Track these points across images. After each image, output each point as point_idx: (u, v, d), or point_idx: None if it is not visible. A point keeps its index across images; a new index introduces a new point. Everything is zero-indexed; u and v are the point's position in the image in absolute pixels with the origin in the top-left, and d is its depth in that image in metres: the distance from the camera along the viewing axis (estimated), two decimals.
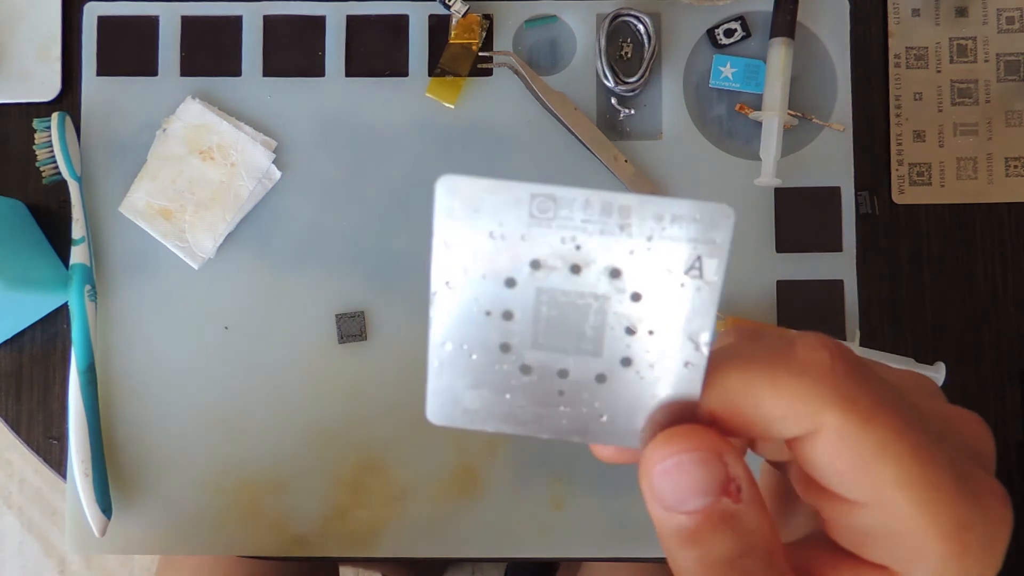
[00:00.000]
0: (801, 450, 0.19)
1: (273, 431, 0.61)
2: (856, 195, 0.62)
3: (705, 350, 0.17)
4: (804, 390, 0.18)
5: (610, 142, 0.62)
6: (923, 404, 0.20)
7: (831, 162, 0.62)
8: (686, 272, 0.16)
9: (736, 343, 0.20)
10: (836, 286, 0.61)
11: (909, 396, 0.20)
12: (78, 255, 0.61)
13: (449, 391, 0.19)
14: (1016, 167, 0.63)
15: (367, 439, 0.61)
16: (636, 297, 0.17)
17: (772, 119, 0.61)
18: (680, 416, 0.19)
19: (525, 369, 0.18)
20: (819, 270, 0.62)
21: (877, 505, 0.19)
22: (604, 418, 0.18)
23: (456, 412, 0.19)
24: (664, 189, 0.62)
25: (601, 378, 0.18)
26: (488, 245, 0.17)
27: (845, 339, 0.61)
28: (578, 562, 0.86)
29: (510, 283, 0.17)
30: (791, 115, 0.61)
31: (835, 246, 0.62)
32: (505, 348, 0.18)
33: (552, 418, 0.19)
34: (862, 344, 0.61)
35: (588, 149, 0.62)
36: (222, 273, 0.62)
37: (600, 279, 0.17)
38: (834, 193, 0.62)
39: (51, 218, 0.63)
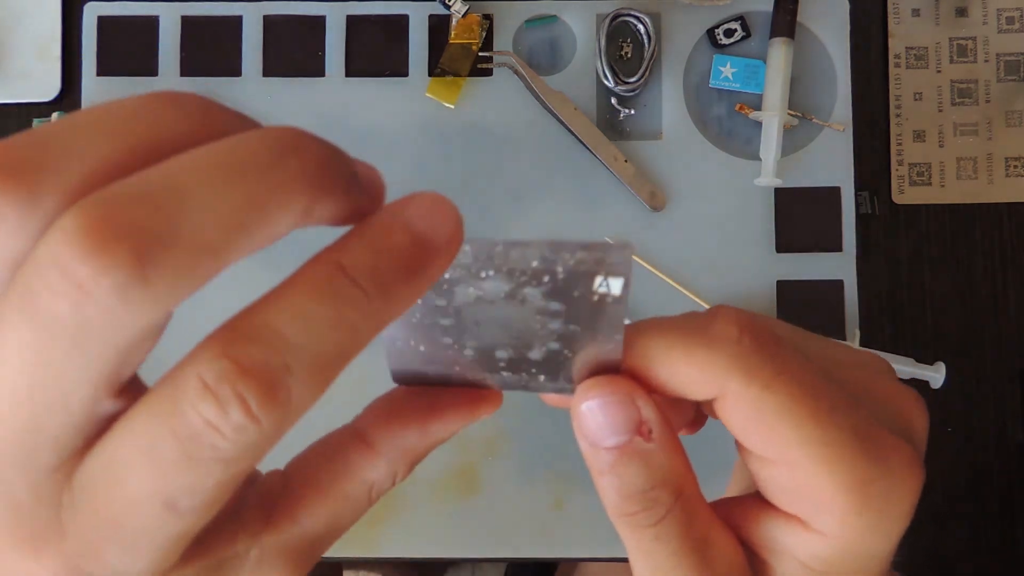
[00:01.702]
0: (718, 412, 0.22)
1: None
2: (856, 195, 0.62)
3: (619, 336, 0.21)
4: (710, 358, 0.21)
5: (610, 142, 0.62)
6: (851, 375, 0.23)
7: (831, 162, 0.62)
8: (597, 287, 0.20)
9: (666, 317, 0.23)
10: (836, 286, 0.61)
11: (833, 368, 0.22)
12: None
13: (399, 347, 0.22)
14: (1016, 167, 0.63)
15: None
16: (561, 311, 0.20)
17: (772, 119, 0.61)
18: (606, 372, 0.22)
19: (466, 350, 0.21)
20: (819, 270, 0.62)
21: (784, 462, 0.21)
22: (542, 378, 0.22)
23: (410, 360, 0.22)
24: (664, 189, 0.62)
25: (536, 361, 0.21)
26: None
27: (845, 339, 0.61)
28: (577, 562, 0.86)
29: (448, 294, 0.20)
30: (791, 115, 0.61)
31: (835, 246, 0.62)
32: (446, 337, 0.21)
33: (496, 380, 0.22)
34: (862, 344, 0.61)
35: (588, 149, 0.62)
36: (222, 273, 0.62)
37: (531, 301, 0.20)
38: (834, 193, 0.62)
39: None
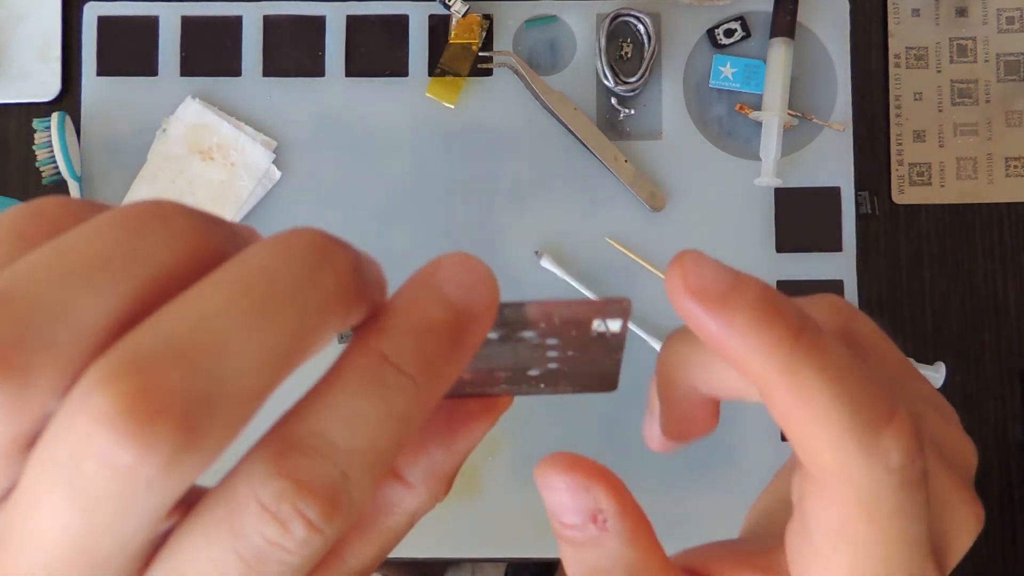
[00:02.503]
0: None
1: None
2: (856, 195, 0.62)
3: (619, 356, 0.20)
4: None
5: (610, 142, 0.62)
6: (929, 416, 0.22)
7: (831, 162, 0.62)
8: (595, 328, 0.19)
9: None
10: (836, 286, 0.61)
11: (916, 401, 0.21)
12: None
13: None
14: (1016, 167, 0.63)
15: None
16: (558, 344, 0.20)
17: (772, 119, 0.61)
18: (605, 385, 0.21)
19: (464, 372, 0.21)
20: (819, 270, 0.62)
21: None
22: (542, 386, 0.21)
23: None
24: (664, 189, 0.62)
25: (535, 376, 0.21)
26: None
27: None
28: None
29: None
30: (791, 115, 0.61)
31: (835, 246, 0.62)
32: None
33: (496, 391, 0.22)
34: None
35: (588, 149, 0.62)
36: None
37: (527, 340, 0.20)
38: (834, 193, 0.62)
39: None
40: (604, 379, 0.21)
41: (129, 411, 0.13)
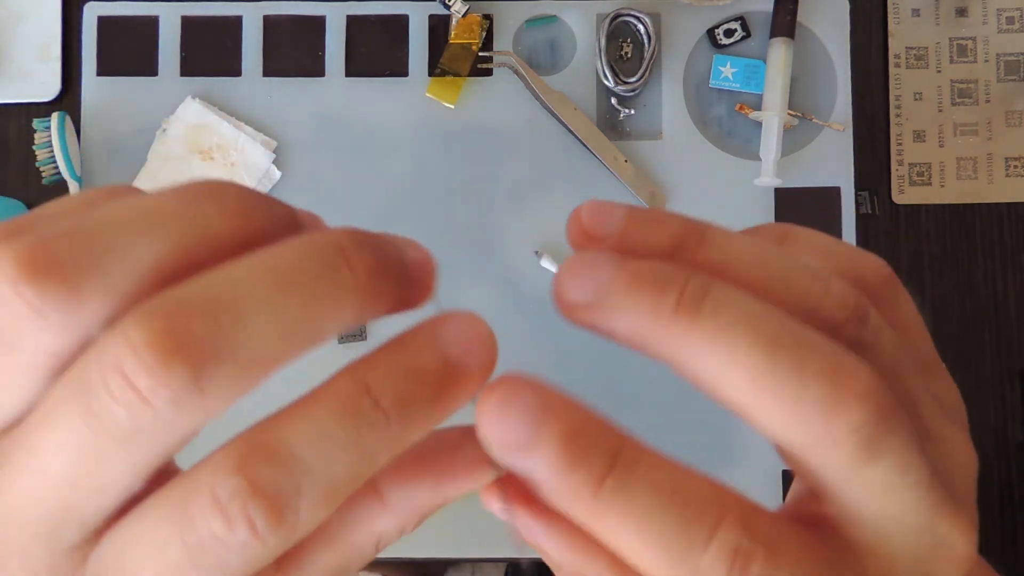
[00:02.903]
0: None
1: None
2: (856, 195, 0.62)
3: None
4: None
5: (610, 142, 0.62)
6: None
7: (831, 162, 0.62)
8: None
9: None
10: None
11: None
12: None
13: None
14: (1016, 167, 0.63)
15: None
16: None
17: (772, 119, 0.61)
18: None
19: None
20: None
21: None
22: None
23: None
24: (664, 189, 0.62)
25: None
26: None
27: None
28: None
29: None
30: (791, 115, 0.61)
31: None
32: None
33: None
34: None
35: (588, 149, 0.62)
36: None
37: None
38: (834, 193, 0.62)
39: None
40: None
41: (155, 344, 0.15)
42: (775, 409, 0.17)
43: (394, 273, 0.18)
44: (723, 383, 0.17)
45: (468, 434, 0.20)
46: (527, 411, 0.17)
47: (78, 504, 0.16)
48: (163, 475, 0.17)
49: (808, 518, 0.19)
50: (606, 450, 0.17)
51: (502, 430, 0.17)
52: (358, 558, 0.21)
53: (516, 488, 0.19)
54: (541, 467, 0.17)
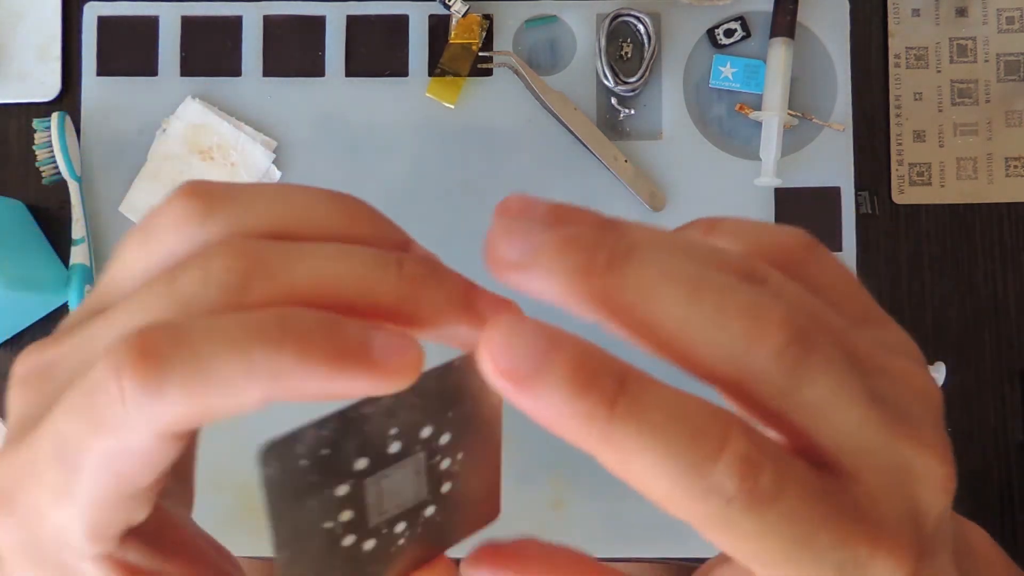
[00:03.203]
0: None
1: (273, 430, 0.61)
2: (856, 195, 0.62)
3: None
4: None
5: (610, 142, 0.62)
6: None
7: (831, 162, 0.62)
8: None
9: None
10: None
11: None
12: (78, 255, 0.61)
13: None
14: (1016, 167, 0.63)
15: None
16: (447, 441, 0.20)
17: (772, 119, 0.61)
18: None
19: (367, 541, 0.21)
20: None
21: None
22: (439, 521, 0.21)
23: None
24: (664, 189, 0.62)
25: (431, 510, 0.21)
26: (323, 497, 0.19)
27: None
28: None
29: (342, 501, 0.20)
30: (791, 115, 0.61)
31: (835, 246, 0.62)
32: (349, 539, 0.20)
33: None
34: None
35: (588, 149, 0.62)
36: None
37: (416, 448, 0.20)
38: (834, 193, 0.62)
39: (51, 218, 0.63)
40: (487, 507, 0.21)
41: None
42: (705, 350, 0.18)
43: (443, 290, 0.20)
44: (653, 333, 0.18)
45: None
46: (533, 341, 0.17)
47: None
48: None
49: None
50: (614, 372, 0.18)
51: (509, 360, 0.17)
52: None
53: (498, 555, 0.21)
54: (552, 393, 0.17)
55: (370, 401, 0.19)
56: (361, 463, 0.19)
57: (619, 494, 0.61)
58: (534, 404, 0.17)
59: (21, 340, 0.63)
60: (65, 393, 0.19)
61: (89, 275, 0.61)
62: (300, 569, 0.20)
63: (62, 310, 0.63)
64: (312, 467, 0.19)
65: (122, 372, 0.18)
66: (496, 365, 0.17)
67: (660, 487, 0.18)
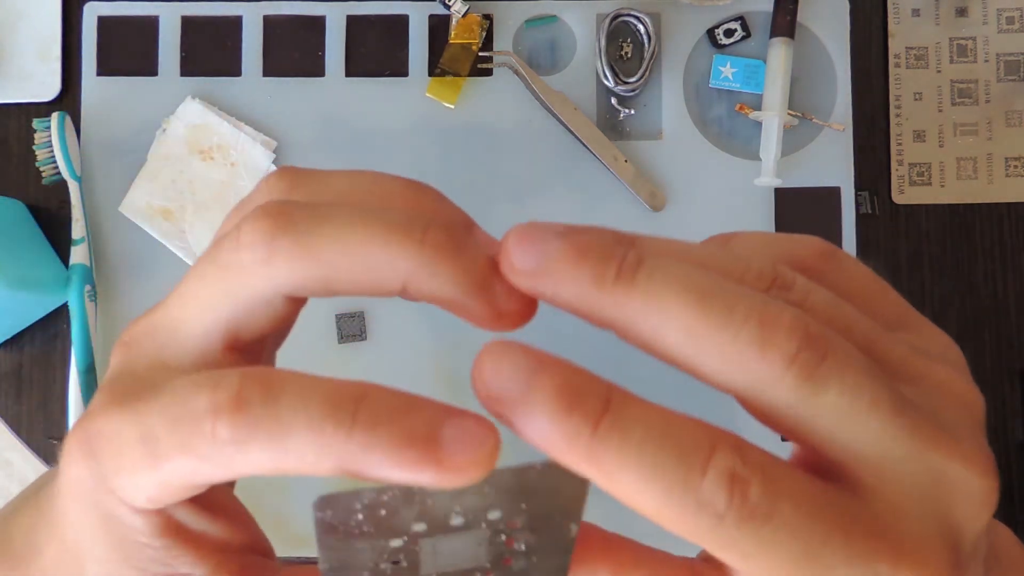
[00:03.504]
0: None
1: None
2: (856, 195, 0.62)
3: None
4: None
5: (610, 142, 0.62)
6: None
7: (831, 162, 0.62)
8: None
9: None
10: None
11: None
12: (78, 255, 0.61)
13: None
14: (1016, 167, 0.63)
15: None
16: (516, 527, 0.20)
17: (772, 119, 0.61)
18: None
19: None
20: None
21: None
22: None
23: None
24: (664, 189, 0.62)
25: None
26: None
27: None
28: None
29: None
30: (791, 115, 0.61)
31: (835, 246, 0.62)
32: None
33: None
34: None
35: (588, 149, 0.62)
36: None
37: (481, 525, 0.20)
38: (834, 193, 0.62)
39: (51, 218, 0.63)
40: (559, 569, 0.21)
41: (262, 209, 0.20)
42: (715, 357, 0.18)
43: (460, 262, 0.20)
44: (664, 342, 0.18)
45: None
46: (520, 366, 0.18)
47: (181, 320, 0.22)
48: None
49: (813, 469, 0.19)
50: (598, 394, 0.18)
51: (498, 385, 0.18)
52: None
53: None
54: (538, 415, 0.18)
55: None
56: (419, 527, 0.19)
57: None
58: (522, 427, 0.18)
59: (21, 340, 0.63)
60: (167, 393, 0.20)
61: (89, 275, 0.61)
62: None
63: (62, 310, 0.63)
64: (367, 521, 0.19)
65: (219, 416, 0.18)
66: (486, 391, 0.18)
67: (650, 503, 0.18)
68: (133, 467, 0.20)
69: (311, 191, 0.22)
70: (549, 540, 0.20)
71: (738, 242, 0.23)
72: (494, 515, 0.20)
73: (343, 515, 0.19)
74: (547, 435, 0.18)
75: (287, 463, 0.18)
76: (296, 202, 0.21)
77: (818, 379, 0.18)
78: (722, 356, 0.18)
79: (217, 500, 0.22)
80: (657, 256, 0.19)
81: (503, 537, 0.20)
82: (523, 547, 0.20)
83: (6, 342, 0.63)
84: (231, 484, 0.25)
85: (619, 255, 0.19)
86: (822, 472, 0.19)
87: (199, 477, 0.19)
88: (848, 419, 0.18)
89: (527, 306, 0.20)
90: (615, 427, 0.17)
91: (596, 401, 0.18)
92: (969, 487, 0.19)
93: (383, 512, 0.19)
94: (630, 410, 0.18)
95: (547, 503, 0.20)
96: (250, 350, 0.22)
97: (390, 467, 0.18)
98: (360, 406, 0.18)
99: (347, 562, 0.19)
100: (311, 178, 0.23)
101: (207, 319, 0.21)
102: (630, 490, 0.18)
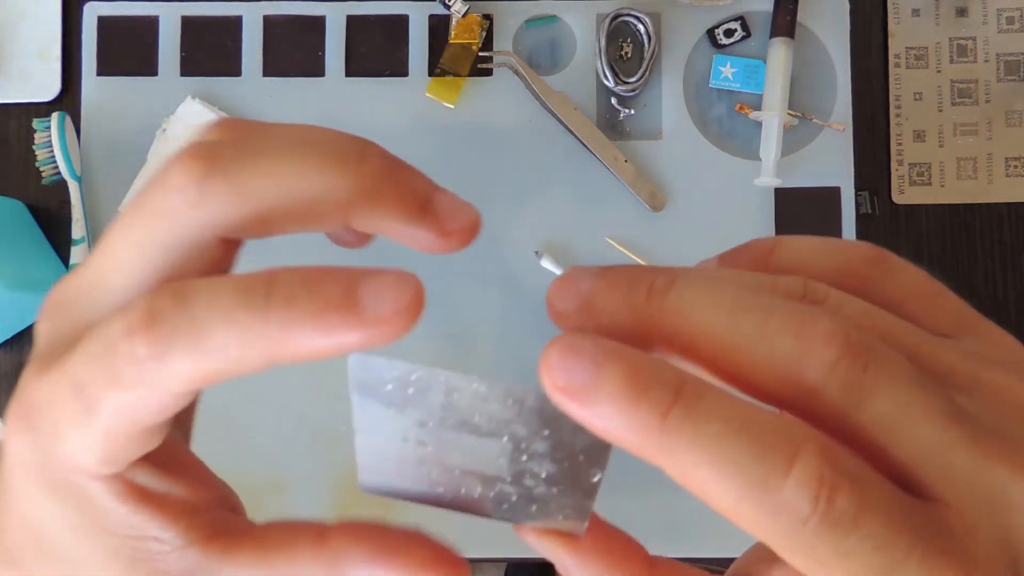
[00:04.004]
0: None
1: (273, 431, 0.61)
2: (856, 195, 0.62)
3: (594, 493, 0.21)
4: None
5: (610, 142, 0.62)
6: None
7: (831, 162, 0.62)
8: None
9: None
10: None
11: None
12: (78, 255, 0.61)
13: (376, 481, 0.22)
14: (1016, 167, 0.63)
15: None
16: (539, 451, 0.20)
17: (772, 119, 0.61)
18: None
19: (438, 471, 0.22)
20: None
21: None
22: (513, 498, 0.22)
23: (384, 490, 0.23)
24: (664, 189, 0.62)
25: (509, 489, 0.22)
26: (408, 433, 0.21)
27: None
28: None
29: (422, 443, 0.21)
30: (791, 115, 0.61)
31: None
32: (420, 449, 0.21)
33: (467, 503, 0.23)
34: None
35: (588, 149, 0.62)
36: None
37: (503, 436, 0.20)
38: (834, 193, 0.62)
39: (51, 218, 0.63)
40: (573, 517, 0.21)
41: (189, 149, 0.20)
42: (754, 370, 0.18)
43: (399, 187, 0.20)
44: (700, 355, 0.18)
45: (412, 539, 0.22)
46: (588, 356, 0.18)
47: (107, 273, 0.21)
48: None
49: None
50: (669, 383, 0.17)
51: (566, 376, 0.18)
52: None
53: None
54: (606, 406, 0.17)
55: (464, 379, 0.19)
56: (445, 416, 0.20)
57: (618, 494, 0.61)
58: (591, 418, 0.17)
59: (21, 340, 0.63)
60: (86, 338, 0.19)
61: None
62: (372, 459, 0.21)
63: None
64: (396, 393, 0.20)
65: (134, 335, 0.18)
66: (553, 382, 0.18)
67: (725, 501, 0.17)
68: (71, 424, 0.19)
69: (245, 135, 0.21)
70: (571, 477, 0.21)
71: (784, 249, 0.22)
72: (517, 430, 0.20)
73: (375, 380, 0.19)
74: (617, 427, 0.17)
75: (213, 365, 0.18)
76: (225, 141, 0.20)
77: (863, 386, 0.17)
78: (762, 370, 0.18)
79: (176, 459, 0.22)
80: (687, 276, 0.19)
81: (525, 458, 0.20)
82: (544, 474, 0.20)
83: (6, 342, 0.63)
84: (186, 439, 0.25)
85: (648, 280, 0.19)
86: (897, 481, 0.18)
87: (136, 412, 0.19)
88: (901, 426, 0.17)
89: (472, 224, 0.21)
90: (687, 418, 0.17)
91: (666, 391, 0.17)
92: None
93: (411, 391, 0.20)
94: (703, 400, 0.17)
95: (570, 438, 0.20)
96: None
97: (314, 337, 0.18)
98: (271, 288, 0.18)
99: (376, 427, 0.20)
100: (247, 124, 0.22)
101: (137, 269, 0.20)
102: (705, 486, 0.17)
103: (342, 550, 0.21)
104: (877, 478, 0.17)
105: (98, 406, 0.19)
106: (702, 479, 0.17)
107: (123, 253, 0.20)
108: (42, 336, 0.21)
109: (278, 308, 0.18)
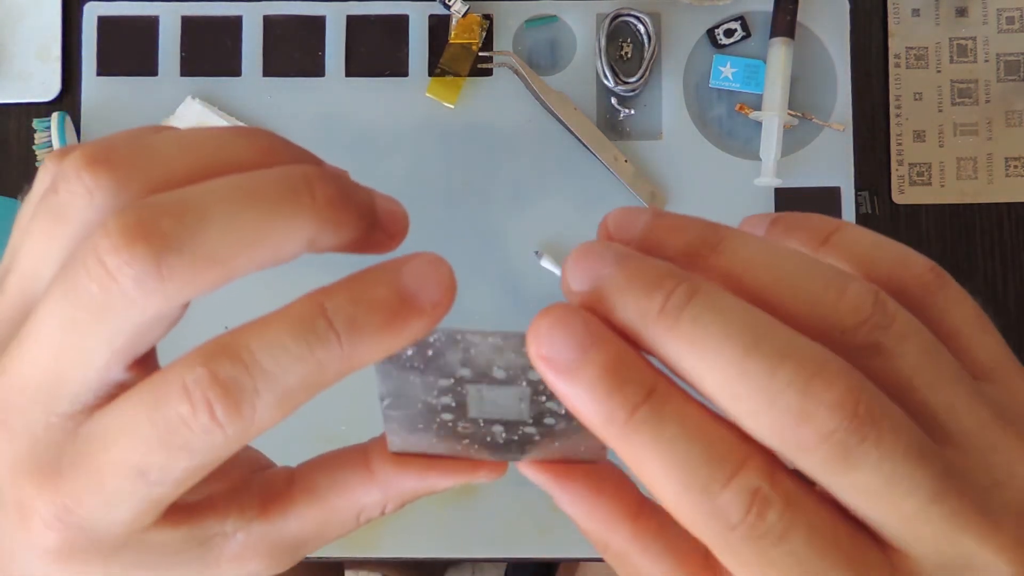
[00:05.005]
0: None
1: (274, 431, 0.61)
2: (856, 195, 0.62)
3: None
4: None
5: (610, 142, 0.62)
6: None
7: (831, 162, 0.62)
8: None
9: None
10: None
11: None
12: None
13: (400, 437, 0.23)
14: (1016, 167, 0.63)
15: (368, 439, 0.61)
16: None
17: (772, 119, 0.61)
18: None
19: (463, 426, 0.22)
20: None
21: None
22: (537, 438, 0.23)
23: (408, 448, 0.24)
24: (664, 189, 0.62)
25: (532, 430, 0.22)
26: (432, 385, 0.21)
27: None
28: (578, 562, 0.86)
29: (444, 392, 0.22)
30: (791, 115, 0.61)
31: None
32: (445, 414, 0.22)
33: (491, 455, 0.23)
34: None
35: (588, 149, 0.62)
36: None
37: (522, 382, 0.21)
38: (834, 193, 0.62)
39: None
40: (593, 449, 0.22)
41: (123, 229, 0.18)
42: (750, 414, 0.18)
43: (355, 208, 0.20)
44: (702, 384, 0.18)
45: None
46: (576, 335, 0.18)
47: (67, 374, 0.19)
48: (148, 373, 0.20)
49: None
50: (643, 382, 0.18)
51: (551, 348, 0.18)
52: (339, 525, 0.23)
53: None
54: (582, 389, 0.18)
55: (480, 334, 0.20)
56: (464, 371, 0.21)
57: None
58: (565, 393, 0.18)
59: None
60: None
61: None
62: (399, 423, 0.22)
63: None
64: (416, 356, 0.20)
65: (212, 413, 0.18)
66: (537, 350, 0.18)
67: (667, 496, 0.18)
68: (121, 500, 0.19)
69: (143, 180, 0.20)
70: None
71: (841, 238, 0.21)
72: (534, 375, 0.21)
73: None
74: (586, 408, 0.18)
75: (297, 401, 0.19)
76: (151, 205, 0.19)
77: (850, 460, 0.17)
78: (758, 418, 0.18)
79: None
80: (710, 291, 0.18)
81: (544, 399, 0.21)
82: (563, 411, 0.21)
83: None
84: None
85: (668, 288, 0.18)
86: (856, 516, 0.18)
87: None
88: (880, 499, 0.18)
89: (406, 221, 0.22)
90: (650, 418, 0.18)
91: (639, 389, 0.18)
92: (992, 574, 0.18)
93: (430, 352, 0.20)
94: (671, 404, 0.18)
95: None
96: (148, 353, 0.21)
97: (384, 343, 0.19)
98: (329, 317, 0.19)
99: (401, 391, 0.21)
100: (132, 166, 0.20)
101: (98, 361, 0.19)
102: (652, 479, 0.18)
103: (390, 471, 0.23)
104: (816, 502, 0.18)
105: (157, 488, 0.19)
106: (650, 472, 0.18)
107: (76, 351, 0.19)
108: (9, 445, 0.20)
109: (346, 334, 0.19)
